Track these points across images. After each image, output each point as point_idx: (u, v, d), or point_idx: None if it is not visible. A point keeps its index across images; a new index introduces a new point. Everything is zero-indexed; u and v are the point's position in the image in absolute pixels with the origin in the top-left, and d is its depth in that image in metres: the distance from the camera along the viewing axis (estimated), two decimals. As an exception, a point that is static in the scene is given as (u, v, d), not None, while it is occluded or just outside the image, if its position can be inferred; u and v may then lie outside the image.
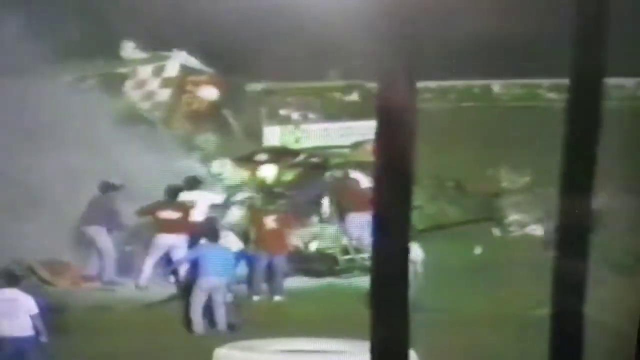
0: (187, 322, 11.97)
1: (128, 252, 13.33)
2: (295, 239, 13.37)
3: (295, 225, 13.37)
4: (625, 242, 11.90)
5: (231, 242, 12.79)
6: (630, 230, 11.89)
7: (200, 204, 13.45)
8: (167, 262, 12.94)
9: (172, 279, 12.91)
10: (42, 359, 10.68)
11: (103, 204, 13.15)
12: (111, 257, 13.01)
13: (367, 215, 12.81)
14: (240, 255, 12.86)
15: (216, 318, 11.90)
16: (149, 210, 13.15)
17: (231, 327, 11.93)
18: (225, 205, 13.94)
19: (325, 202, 13.95)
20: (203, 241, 12.54)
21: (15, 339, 10.57)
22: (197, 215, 13.37)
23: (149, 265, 12.80)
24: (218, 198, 13.95)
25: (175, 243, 12.88)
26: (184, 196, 13.43)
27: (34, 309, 10.66)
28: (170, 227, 12.96)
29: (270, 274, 12.85)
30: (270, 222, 12.99)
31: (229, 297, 12.09)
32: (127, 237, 13.34)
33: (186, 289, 12.27)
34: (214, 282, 11.88)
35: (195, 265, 12.10)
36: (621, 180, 12.20)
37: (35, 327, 10.62)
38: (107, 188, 13.28)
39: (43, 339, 10.69)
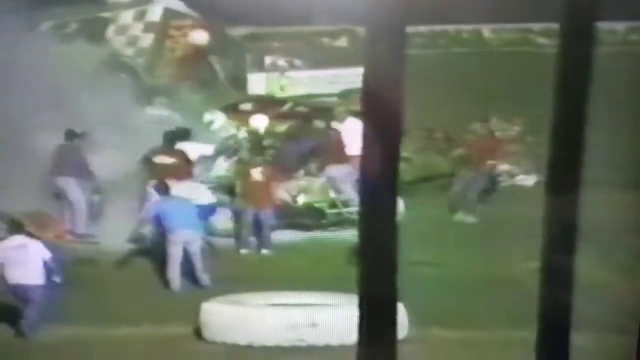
0: (165, 280, 11.76)
1: (97, 202, 13.05)
2: (283, 192, 13.18)
3: (281, 178, 13.16)
4: (625, 242, 11.81)
5: (202, 193, 12.50)
6: (630, 230, 11.79)
7: (190, 155, 13.24)
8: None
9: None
10: (50, 307, 10.58)
11: (70, 153, 12.87)
12: (82, 210, 12.74)
13: (347, 168, 12.75)
14: (211, 208, 12.59)
15: (195, 272, 11.70)
16: (149, 157, 12.86)
17: (216, 280, 11.72)
18: (213, 157, 13.70)
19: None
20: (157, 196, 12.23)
21: (26, 286, 10.51)
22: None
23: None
24: (208, 149, 13.71)
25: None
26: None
27: (47, 253, 10.59)
28: (165, 173, 12.64)
29: (257, 227, 12.67)
30: (256, 174, 12.79)
31: (205, 250, 11.83)
32: (97, 188, 13.05)
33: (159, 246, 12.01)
34: (182, 236, 11.60)
35: (160, 221, 11.82)
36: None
37: (48, 271, 10.53)
38: (72, 136, 12.96)
39: (57, 279, 10.64)
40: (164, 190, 12.11)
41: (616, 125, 12.38)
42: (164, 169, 12.71)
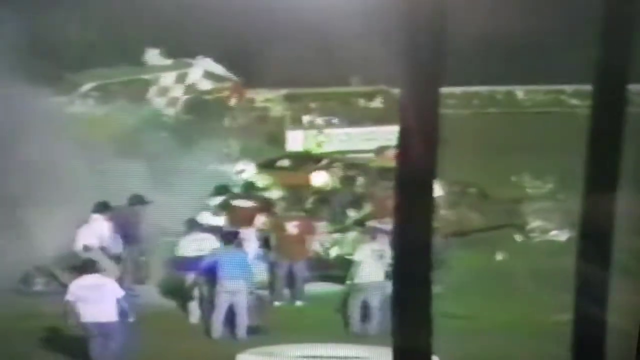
0: (207, 327, 11.97)
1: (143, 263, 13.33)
2: (316, 244, 13.37)
3: (315, 231, 13.37)
4: (625, 242, 11.79)
5: (250, 246, 12.79)
6: (630, 230, 11.77)
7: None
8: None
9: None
10: (122, 344, 10.86)
11: (130, 218, 13.19)
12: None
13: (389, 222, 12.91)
14: (260, 259, 12.86)
15: (237, 322, 11.88)
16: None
17: (252, 331, 11.91)
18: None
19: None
20: (220, 245, 12.54)
21: (100, 324, 10.79)
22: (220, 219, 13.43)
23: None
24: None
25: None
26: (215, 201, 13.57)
27: (120, 291, 10.91)
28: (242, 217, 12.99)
29: (291, 279, 12.85)
30: (291, 227, 13.00)
31: (251, 301, 12.07)
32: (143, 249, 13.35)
33: (208, 295, 12.27)
34: (233, 286, 11.87)
35: (214, 270, 12.09)
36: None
37: (121, 310, 10.84)
38: (136, 201, 13.34)
39: (131, 319, 10.93)
40: (229, 239, 12.36)
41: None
42: (241, 213, 13.04)
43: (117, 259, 12.91)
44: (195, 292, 12.38)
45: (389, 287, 11.82)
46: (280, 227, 13.08)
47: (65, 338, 11.34)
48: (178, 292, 12.56)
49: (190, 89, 17.60)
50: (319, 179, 13.24)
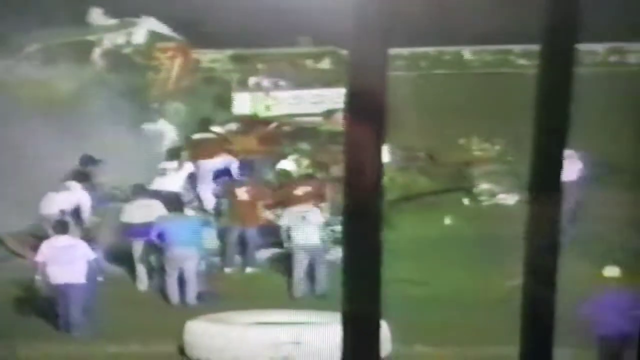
0: (163, 295, 11.86)
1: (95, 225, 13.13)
2: (268, 211, 13.29)
3: (266, 196, 13.27)
4: (625, 241, 11.92)
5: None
6: (630, 229, 11.91)
7: (181, 172, 13.39)
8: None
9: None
10: (83, 308, 10.85)
11: (82, 179, 13.05)
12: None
13: None
14: (208, 225, 12.73)
15: (187, 289, 11.80)
16: None
17: (202, 297, 11.83)
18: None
19: None
20: (168, 211, 12.39)
21: (69, 285, 10.63)
22: (173, 183, 13.27)
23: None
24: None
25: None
26: (167, 165, 13.41)
27: (92, 253, 10.75)
28: None
29: (243, 245, 12.75)
30: (242, 193, 12.88)
31: (201, 267, 11.98)
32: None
33: (158, 262, 12.15)
34: (182, 252, 11.75)
35: (163, 237, 11.95)
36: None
37: (91, 271, 10.69)
38: (87, 162, 13.18)
39: (100, 278, 10.97)
40: (178, 207, 12.32)
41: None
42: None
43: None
44: (142, 260, 12.25)
45: (323, 249, 11.93)
46: (232, 193, 12.95)
47: (16, 304, 11.21)
48: (125, 259, 12.39)
49: (134, 49, 17.26)
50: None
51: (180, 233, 11.80)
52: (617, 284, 10.09)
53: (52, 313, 10.94)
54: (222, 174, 13.68)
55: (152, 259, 12.21)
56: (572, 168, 13.02)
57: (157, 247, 12.03)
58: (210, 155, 13.64)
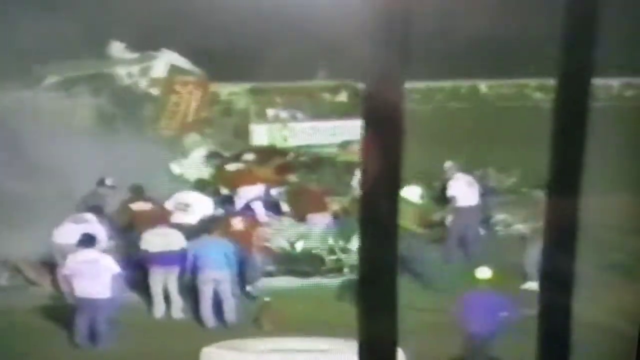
0: (198, 319, 11.99)
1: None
2: (281, 239, 13.43)
3: (260, 225, 13.39)
4: (625, 243, 11.96)
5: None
6: (630, 230, 11.94)
7: (196, 207, 13.52)
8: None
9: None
10: (113, 322, 10.98)
11: (96, 200, 13.22)
12: None
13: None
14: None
15: (225, 308, 11.99)
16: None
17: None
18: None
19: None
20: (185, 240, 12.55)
21: (94, 300, 10.74)
22: (194, 217, 13.40)
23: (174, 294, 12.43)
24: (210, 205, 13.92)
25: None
26: (181, 197, 13.56)
27: (116, 268, 10.87)
28: (146, 219, 12.96)
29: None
30: (237, 223, 13.09)
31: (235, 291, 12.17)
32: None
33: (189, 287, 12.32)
34: (214, 275, 11.95)
35: (195, 261, 12.15)
36: (617, 180, 12.27)
37: (115, 286, 10.73)
38: (102, 185, 13.53)
39: (125, 294, 11.07)
40: (208, 230, 12.46)
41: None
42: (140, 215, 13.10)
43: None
44: (160, 287, 12.37)
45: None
46: (226, 224, 13.10)
47: (34, 333, 11.33)
48: (142, 286, 12.52)
49: (154, 82, 17.51)
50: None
51: (214, 255, 12.00)
52: (488, 285, 10.39)
53: (75, 327, 11.07)
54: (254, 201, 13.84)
55: (185, 284, 12.35)
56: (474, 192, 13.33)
57: (191, 272, 12.18)
58: (249, 182, 13.87)
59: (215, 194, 14.18)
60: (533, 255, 12.47)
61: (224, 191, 14.28)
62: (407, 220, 12.56)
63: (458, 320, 10.20)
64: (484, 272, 10.65)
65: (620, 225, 12.09)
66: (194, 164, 15.53)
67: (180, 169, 15.38)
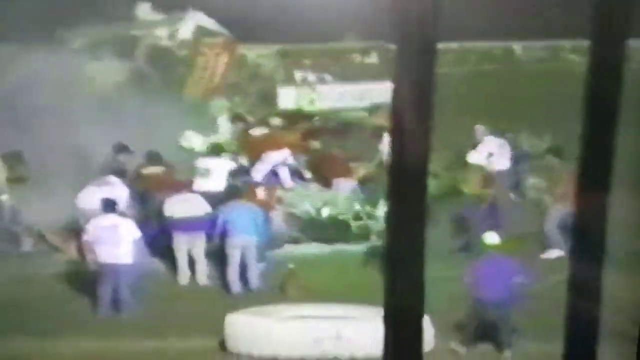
0: (224, 284, 11.92)
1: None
2: (307, 205, 13.34)
3: (285, 191, 13.37)
4: (625, 242, 11.73)
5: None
6: (630, 230, 11.69)
7: (215, 172, 13.42)
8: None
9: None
10: (137, 289, 10.90)
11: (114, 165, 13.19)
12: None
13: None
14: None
15: (249, 274, 11.95)
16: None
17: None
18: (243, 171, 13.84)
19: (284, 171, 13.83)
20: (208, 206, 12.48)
21: (115, 266, 10.73)
22: (215, 183, 13.30)
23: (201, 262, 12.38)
24: (232, 165, 13.83)
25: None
26: (201, 163, 13.46)
27: (137, 232, 10.88)
28: (165, 185, 12.92)
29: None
30: (262, 189, 13.02)
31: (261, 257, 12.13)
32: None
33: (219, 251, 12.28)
34: (243, 240, 11.90)
35: (225, 225, 12.10)
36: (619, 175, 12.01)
37: (137, 252, 10.71)
38: (120, 150, 13.26)
39: (147, 259, 10.95)
40: (235, 196, 12.36)
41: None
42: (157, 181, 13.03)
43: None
44: (185, 253, 12.32)
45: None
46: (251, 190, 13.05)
47: (58, 299, 11.34)
48: (167, 253, 12.47)
49: (181, 43, 17.37)
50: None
51: (243, 220, 11.93)
52: (497, 250, 10.24)
53: (98, 294, 11.09)
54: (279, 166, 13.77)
55: (212, 250, 12.31)
56: (505, 157, 13.15)
57: (220, 237, 12.14)
58: (274, 148, 13.73)
59: (236, 159, 14.04)
60: (554, 222, 12.31)
61: (243, 160, 14.10)
62: (471, 185, 12.46)
63: (469, 287, 10.08)
64: (492, 238, 10.52)
65: (621, 224, 11.85)
66: (218, 128, 15.40)
67: (203, 135, 15.22)
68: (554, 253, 12.27)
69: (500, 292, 9.89)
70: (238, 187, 12.79)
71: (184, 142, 14.98)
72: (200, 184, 13.21)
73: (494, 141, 13.84)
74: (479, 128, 14.12)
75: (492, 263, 10.21)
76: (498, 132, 14.19)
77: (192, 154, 14.10)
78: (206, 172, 13.36)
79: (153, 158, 13.40)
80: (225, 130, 15.33)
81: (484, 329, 10.15)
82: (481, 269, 10.24)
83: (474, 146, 14.07)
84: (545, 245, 12.47)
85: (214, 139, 14.97)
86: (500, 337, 10.11)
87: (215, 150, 14.27)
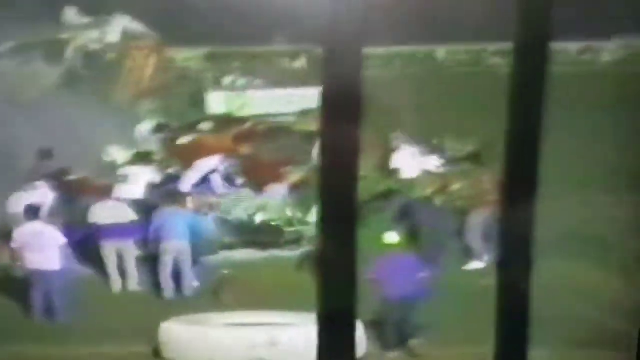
0: (156, 288, 11.85)
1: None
2: (240, 210, 13.34)
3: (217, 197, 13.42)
4: (625, 242, 12.03)
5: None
6: (630, 231, 12.01)
7: (134, 179, 13.29)
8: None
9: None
10: (68, 294, 10.76)
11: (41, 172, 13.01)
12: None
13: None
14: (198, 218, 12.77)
15: (184, 279, 11.88)
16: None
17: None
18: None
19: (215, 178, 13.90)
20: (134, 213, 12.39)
21: (44, 272, 10.55)
22: (135, 190, 13.18)
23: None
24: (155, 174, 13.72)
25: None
26: (122, 170, 13.41)
27: (62, 239, 10.69)
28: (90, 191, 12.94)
29: None
30: (194, 195, 13.04)
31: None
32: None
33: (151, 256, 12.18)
34: (176, 246, 11.81)
35: (158, 231, 12.00)
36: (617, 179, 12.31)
37: (63, 258, 10.61)
38: (45, 155, 13.08)
39: (75, 266, 10.70)
40: (171, 201, 12.33)
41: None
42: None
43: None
44: (114, 260, 12.19)
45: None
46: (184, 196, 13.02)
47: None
48: (96, 260, 12.33)
49: (108, 47, 17.16)
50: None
51: (175, 226, 11.85)
52: (396, 249, 10.59)
53: (29, 300, 10.93)
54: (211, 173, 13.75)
55: (144, 256, 12.20)
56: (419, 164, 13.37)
57: (150, 244, 12.05)
58: (204, 154, 13.67)
59: (162, 168, 13.93)
60: (476, 231, 12.52)
61: (171, 168, 13.98)
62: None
63: (373, 284, 10.21)
64: (391, 237, 10.77)
65: (620, 225, 12.16)
66: (141, 138, 15.22)
67: (125, 148, 14.99)
68: (475, 265, 12.47)
69: (406, 289, 10.03)
70: (168, 194, 12.72)
71: (106, 157, 14.75)
72: (120, 190, 13.07)
73: (409, 149, 13.96)
74: (396, 135, 14.30)
75: (396, 260, 10.38)
76: (421, 137, 14.43)
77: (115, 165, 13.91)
78: (125, 179, 13.24)
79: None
80: (149, 139, 15.14)
81: (396, 328, 10.26)
82: (385, 267, 10.37)
83: (392, 152, 14.24)
84: (467, 256, 12.67)
85: (139, 148, 14.78)
86: (406, 333, 10.20)
87: (138, 158, 14.11)
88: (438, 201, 13.57)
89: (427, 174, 14.06)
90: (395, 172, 13.96)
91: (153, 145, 14.99)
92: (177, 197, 12.65)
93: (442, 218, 13.05)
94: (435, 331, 10.31)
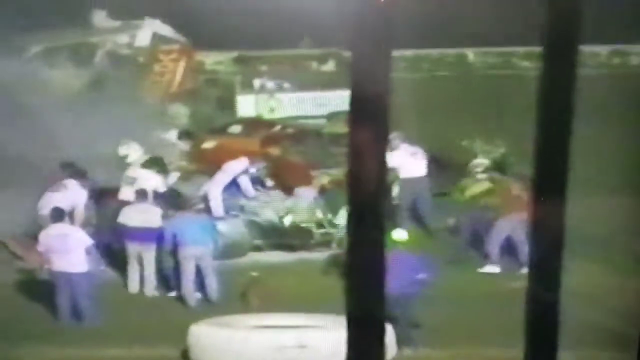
0: (180, 298, 11.90)
1: None
2: (270, 212, 13.35)
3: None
4: (625, 242, 11.93)
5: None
6: (630, 230, 11.91)
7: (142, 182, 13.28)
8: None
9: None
10: (94, 297, 10.86)
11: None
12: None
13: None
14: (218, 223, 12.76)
15: (208, 285, 11.89)
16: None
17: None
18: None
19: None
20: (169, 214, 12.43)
21: (69, 274, 10.65)
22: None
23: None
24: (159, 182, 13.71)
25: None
26: (131, 172, 13.39)
27: (88, 240, 10.77)
28: None
29: None
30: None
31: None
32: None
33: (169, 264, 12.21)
34: (195, 251, 11.83)
35: (175, 238, 12.02)
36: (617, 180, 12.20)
37: (90, 260, 10.62)
38: (68, 168, 13.11)
39: (101, 267, 10.92)
40: (180, 206, 12.36)
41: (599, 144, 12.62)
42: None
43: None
44: (135, 262, 12.24)
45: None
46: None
47: (18, 308, 11.25)
48: (117, 261, 12.41)
49: (138, 50, 17.28)
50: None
51: (193, 231, 11.87)
52: (404, 247, 10.46)
53: (56, 303, 10.99)
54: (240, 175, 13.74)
55: (166, 262, 12.22)
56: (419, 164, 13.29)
57: (171, 249, 12.06)
58: (232, 156, 13.65)
59: (169, 180, 13.83)
60: (497, 238, 12.45)
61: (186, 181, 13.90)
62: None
63: None
64: (399, 234, 10.69)
65: (620, 225, 12.06)
66: (163, 144, 15.18)
67: (144, 149, 14.90)
68: (491, 269, 12.42)
69: (402, 288, 9.93)
70: (185, 200, 12.73)
71: (122, 150, 14.69)
72: (125, 192, 13.09)
73: (407, 149, 13.85)
74: (394, 135, 14.20)
75: (397, 259, 10.30)
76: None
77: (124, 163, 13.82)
78: (132, 181, 13.23)
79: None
80: (171, 146, 15.06)
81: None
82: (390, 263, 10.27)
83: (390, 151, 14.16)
84: (484, 260, 12.62)
85: (154, 153, 14.68)
86: (401, 333, 10.11)
87: (150, 164, 14.02)
88: (468, 204, 13.54)
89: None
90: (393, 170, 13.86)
91: (173, 152, 14.86)
92: (189, 203, 12.65)
93: (472, 220, 13.03)
94: (440, 332, 10.26)
